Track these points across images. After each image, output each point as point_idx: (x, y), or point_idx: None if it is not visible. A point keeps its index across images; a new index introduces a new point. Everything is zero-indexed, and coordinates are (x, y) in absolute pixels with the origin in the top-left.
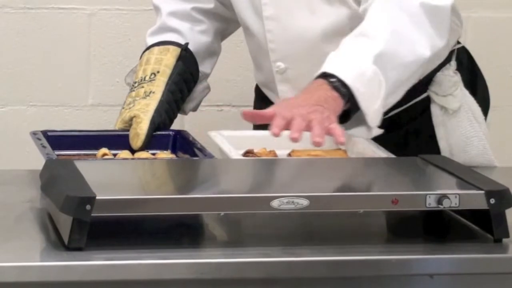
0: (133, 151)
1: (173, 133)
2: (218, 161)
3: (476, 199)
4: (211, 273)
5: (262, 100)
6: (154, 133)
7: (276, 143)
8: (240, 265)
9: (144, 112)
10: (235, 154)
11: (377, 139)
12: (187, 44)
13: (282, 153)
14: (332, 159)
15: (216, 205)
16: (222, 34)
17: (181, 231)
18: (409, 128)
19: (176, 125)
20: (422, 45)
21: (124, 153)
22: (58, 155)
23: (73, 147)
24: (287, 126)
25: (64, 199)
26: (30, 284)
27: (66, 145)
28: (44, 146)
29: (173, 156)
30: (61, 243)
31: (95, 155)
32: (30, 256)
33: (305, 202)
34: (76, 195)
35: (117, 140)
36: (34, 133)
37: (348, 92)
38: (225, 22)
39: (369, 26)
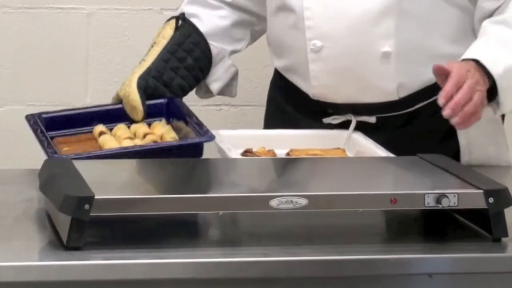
0: (129, 123)
1: (166, 101)
2: (217, 160)
3: (475, 199)
4: (210, 273)
5: (280, 91)
6: (147, 102)
7: (275, 143)
8: (239, 265)
9: (129, 84)
10: (234, 153)
11: (394, 134)
12: (183, 14)
13: (280, 152)
14: (331, 159)
15: (214, 204)
16: (250, 28)
17: (180, 230)
18: (429, 123)
19: None
20: None
21: (121, 127)
22: (54, 136)
23: (69, 126)
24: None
25: (63, 198)
26: (29, 284)
27: (61, 125)
28: (38, 131)
29: (169, 127)
30: (59, 243)
31: (91, 132)
32: (29, 255)
33: (304, 202)
34: (75, 195)
35: (112, 114)
36: (28, 118)
37: (494, 84)
38: (252, 15)
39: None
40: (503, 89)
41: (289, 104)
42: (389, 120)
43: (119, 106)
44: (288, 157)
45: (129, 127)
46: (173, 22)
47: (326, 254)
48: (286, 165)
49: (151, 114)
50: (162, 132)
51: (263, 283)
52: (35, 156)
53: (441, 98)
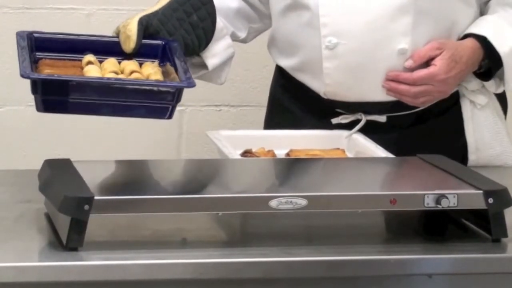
0: (120, 59)
1: (163, 43)
2: (216, 161)
3: (475, 199)
4: (209, 273)
5: (285, 91)
6: (144, 42)
7: (274, 143)
8: (238, 265)
9: (131, 18)
10: (234, 154)
11: (403, 133)
12: None
13: (280, 152)
14: (331, 159)
15: (214, 205)
16: (249, 24)
17: (180, 231)
18: (437, 122)
19: (174, 124)
20: None
21: (110, 60)
22: (42, 57)
23: (59, 51)
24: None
25: (63, 199)
26: (28, 284)
27: (52, 48)
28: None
29: (159, 69)
30: (59, 243)
31: (80, 60)
32: (29, 256)
33: (303, 202)
34: (75, 195)
35: (105, 46)
36: (20, 34)
37: (497, 61)
38: (255, 11)
39: None
40: (510, 67)
41: (295, 104)
42: (399, 119)
43: (116, 39)
44: (287, 157)
45: (120, 63)
46: None
47: (326, 255)
48: (286, 166)
49: (145, 54)
50: (150, 72)
51: (263, 284)
52: (35, 156)
53: (396, 74)
